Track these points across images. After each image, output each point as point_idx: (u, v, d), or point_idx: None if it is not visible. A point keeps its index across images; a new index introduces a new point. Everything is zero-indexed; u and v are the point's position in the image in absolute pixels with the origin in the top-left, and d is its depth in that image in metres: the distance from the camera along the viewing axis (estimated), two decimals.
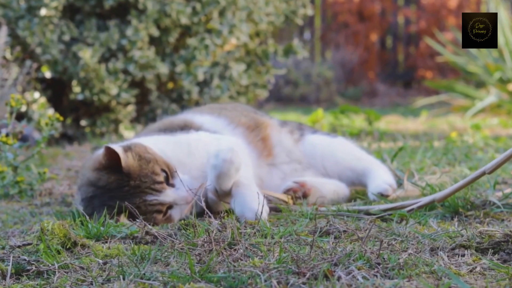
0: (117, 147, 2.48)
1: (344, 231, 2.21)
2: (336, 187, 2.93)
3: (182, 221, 2.35)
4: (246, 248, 1.94)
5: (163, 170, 2.54)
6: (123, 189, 2.48)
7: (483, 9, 11.94)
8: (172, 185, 2.54)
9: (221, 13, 6.05)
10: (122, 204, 2.42)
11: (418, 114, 8.99)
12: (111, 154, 2.48)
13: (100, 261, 1.91)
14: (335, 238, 2.15)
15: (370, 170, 2.96)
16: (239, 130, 2.93)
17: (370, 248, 1.90)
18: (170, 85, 6.26)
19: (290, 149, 3.01)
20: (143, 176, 2.50)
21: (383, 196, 2.78)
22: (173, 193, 2.51)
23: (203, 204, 2.23)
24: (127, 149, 2.54)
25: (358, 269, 1.71)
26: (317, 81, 12.63)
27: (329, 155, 3.01)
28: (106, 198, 2.48)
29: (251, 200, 2.45)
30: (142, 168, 2.51)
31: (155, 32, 5.82)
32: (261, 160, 2.90)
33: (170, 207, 2.52)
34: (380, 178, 2.90)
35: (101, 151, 2.55)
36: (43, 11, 5.60)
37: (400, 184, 3.04)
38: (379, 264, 1.76)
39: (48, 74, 5.89)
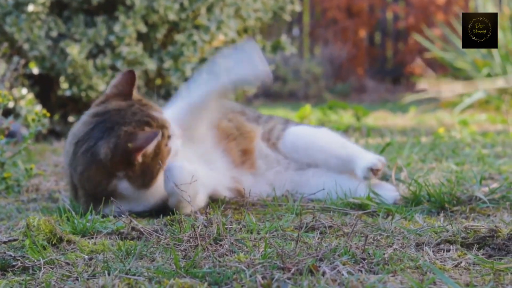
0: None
1: (330, 226, 2.22)
2: None
3: (168, 216, 2.35)
4: (232, 243, 1.94)
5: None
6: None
7: (472, 5, 11.94)
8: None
9: (209, 9, 6.04)
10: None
11: (407, 110, 9.00)
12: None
13: (86, 256, 1.91)
14: (320, 233, 2.16)
15: (357, 155, 2.86)
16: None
17: (355, 244, 1.90)
18: (158, 81, 6.26)
19: (266, 153, 2.93)
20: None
21: (372, 171, 2.72)
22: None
23: (172, 184, 2.33)
24: None
25: (343, 264, 1.72)
26: (306, 77, 12.63)
27: (312, 143, 2.92)
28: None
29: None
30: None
31: (143, 28, 5.81)
32: (243, 169, 2.86)
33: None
34: (367, 155, 2.82)
35: None
36: (30, 7, 5.58)
37: (387, 179, 3.04)
38: (364, 259, 1.77)
39: (35, 70, 5.87)
